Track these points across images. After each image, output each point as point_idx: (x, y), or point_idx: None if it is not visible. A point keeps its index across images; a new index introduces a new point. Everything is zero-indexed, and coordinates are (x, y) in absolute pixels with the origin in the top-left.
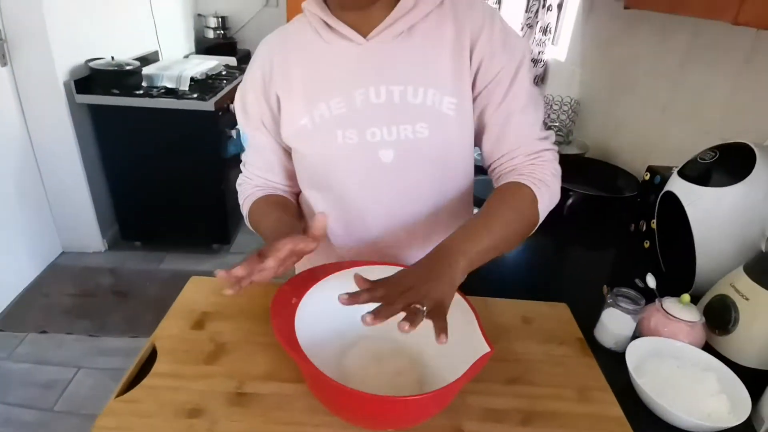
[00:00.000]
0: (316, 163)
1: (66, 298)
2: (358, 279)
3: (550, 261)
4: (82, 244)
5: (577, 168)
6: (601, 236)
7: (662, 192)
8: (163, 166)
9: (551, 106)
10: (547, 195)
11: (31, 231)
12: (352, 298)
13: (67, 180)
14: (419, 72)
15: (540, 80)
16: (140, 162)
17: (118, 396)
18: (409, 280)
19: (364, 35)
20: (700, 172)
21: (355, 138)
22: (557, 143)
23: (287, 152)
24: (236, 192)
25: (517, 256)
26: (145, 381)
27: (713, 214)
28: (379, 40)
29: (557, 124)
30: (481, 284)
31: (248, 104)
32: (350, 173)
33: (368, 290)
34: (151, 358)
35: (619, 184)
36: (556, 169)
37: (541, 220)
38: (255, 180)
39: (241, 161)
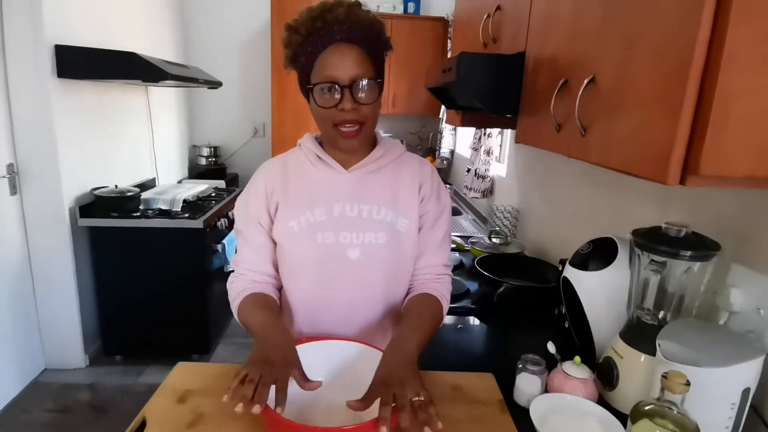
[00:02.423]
0: (297, 256)
1: (45, 414)
2: (353, 404)
3: (487, 343)
4: (65, 361)
5: (516, 264)
6: (533, 320)
7: (561, 278)
8: (151, 281)
9: (496, 214)
10: (446, 306)
11: (18, 349)
12: (384, 423)
13: (59, 300)
14: (383, 198)
15: (489, 192)
16: (130, 278)
17: None
18: (393, 390)
19: (346, 168)
20: (581, 261)
21: (331, 239)
22: (501, 244)
23: (275, 248)
24: (219, 302)
25: (461, 339)
26: None
27: (595, 293)
28: (356, 173)
29: (498, 228)
30: (425, 362)
31: (250, 208)
32: (324, 264)
33: (367, 400)
34: (141, 427)
35: (547, 276)
36: (450, 286)
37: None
38: (248, 275)
39: (224, 273)
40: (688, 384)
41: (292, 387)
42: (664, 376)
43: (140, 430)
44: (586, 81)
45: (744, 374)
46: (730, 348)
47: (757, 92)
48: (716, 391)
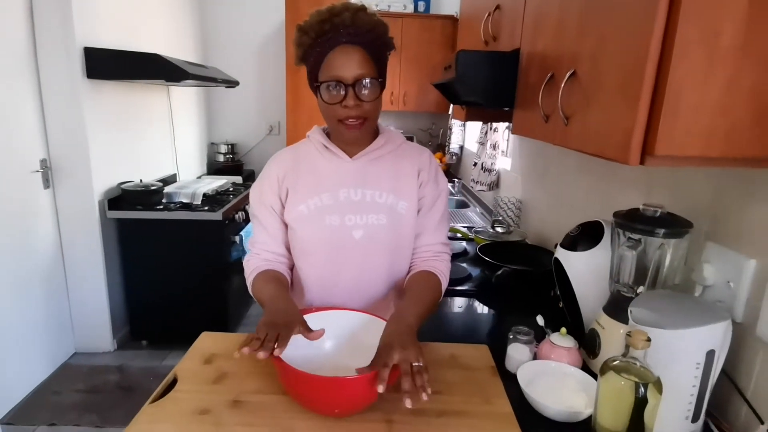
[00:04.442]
0: (307, 238)
1: (75, 394)
2: (362, 371)
3: (485, 322)
4: (94, 345)
5: (517, 251)
6: (529, 302)
7: (553, 259)
8: (175, 270)
9: (500, 205)
10: (445, 281)
11: (50, 334)
12: (382, 382)
13: (89, 288)
14: (385, 183)
15: (495, 185)
16: (155, 267)
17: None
18: (395, 355)
19: (350, 156)
20: (570, 242)
21: (337, 221)
22: (504, 233)
23: (286, 231)
24: (237, 291)
25: (461, 318)
26: (169, 395)
27: (582, 271)
28: (360, 161)
29: (501, 217)
30: (429, 336)
31: (264, 194)
32: (331, 245)
33: (374, 366)
34: (173, 384)
35: (544, 261)
36: (449, 264)
37: (442, 295)
38: (262, 254)
39: (242, 264)
40: (648, 340)
41: (301, 352)
42: (628, 335)
43: (172, 386)
44: (567, 75)
45: (707, 336)
46: (696, 314)
47: (703, 84)
48: (681, 352)
